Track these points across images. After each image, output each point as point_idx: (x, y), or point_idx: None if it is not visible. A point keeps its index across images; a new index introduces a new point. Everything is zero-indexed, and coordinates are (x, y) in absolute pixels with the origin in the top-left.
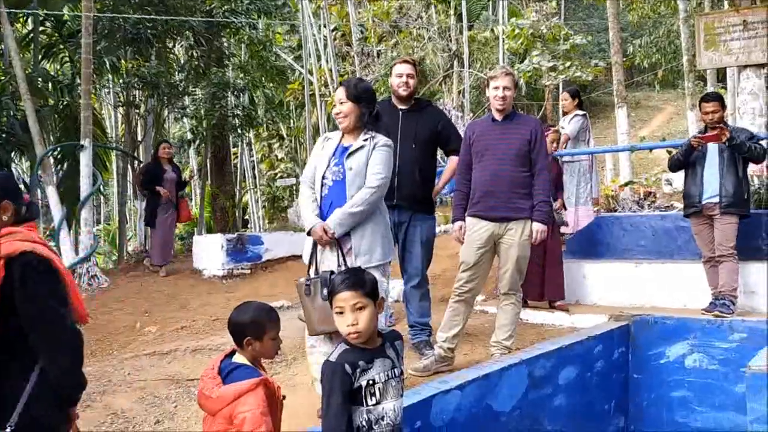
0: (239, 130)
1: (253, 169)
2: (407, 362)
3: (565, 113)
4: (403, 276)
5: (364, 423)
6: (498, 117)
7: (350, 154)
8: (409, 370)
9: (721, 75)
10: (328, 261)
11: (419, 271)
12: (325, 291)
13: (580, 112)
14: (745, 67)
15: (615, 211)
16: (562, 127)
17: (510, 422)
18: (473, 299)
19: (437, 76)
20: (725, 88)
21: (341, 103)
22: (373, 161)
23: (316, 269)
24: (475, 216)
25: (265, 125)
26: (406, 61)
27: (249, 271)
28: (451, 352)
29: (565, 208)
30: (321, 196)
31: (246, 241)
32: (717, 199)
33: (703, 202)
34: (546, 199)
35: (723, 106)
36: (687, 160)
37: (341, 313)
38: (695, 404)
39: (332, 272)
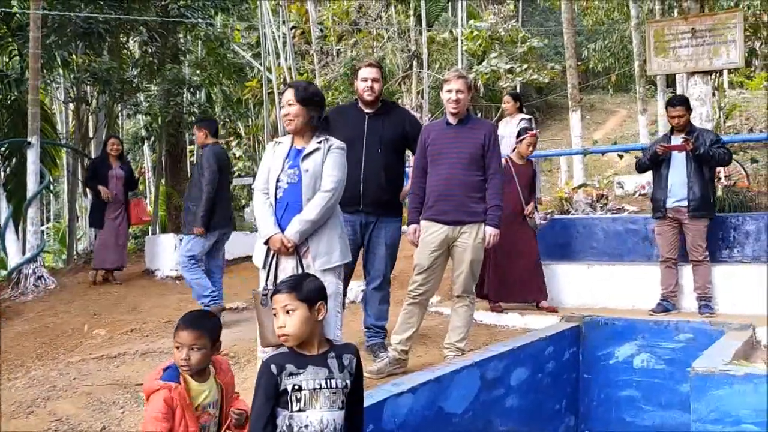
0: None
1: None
2: (368, 365)
3: (503, 116)
4: (366, 277)
5: (285, 428)
6: (452, 120)
7: (306, 156)
8: (365, 373)
9: (670, 80)
10: (285, 266)
11: (381, 273)
12: None
13: (526, 116)
14: (693, 73)
15: (569, 213)
16: (502, 135)
17: (462, 424)
18: (427, 301)
19: (396, 77)
20: (674, 94)
21: (289, 104)
22: (327, 164)
23: (275, 276)
24: (430, 219)
25: (222, 123)
26: (371, 65)
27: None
28: (405, 354)
29: (537, 213)
30: (276, 199)
31: None
32: (685, 203)
33: (671, 206)
34: (499, 203)
35: (689, 110)
36: (653, 164)
37: (276, 315)
38: (642, 403)
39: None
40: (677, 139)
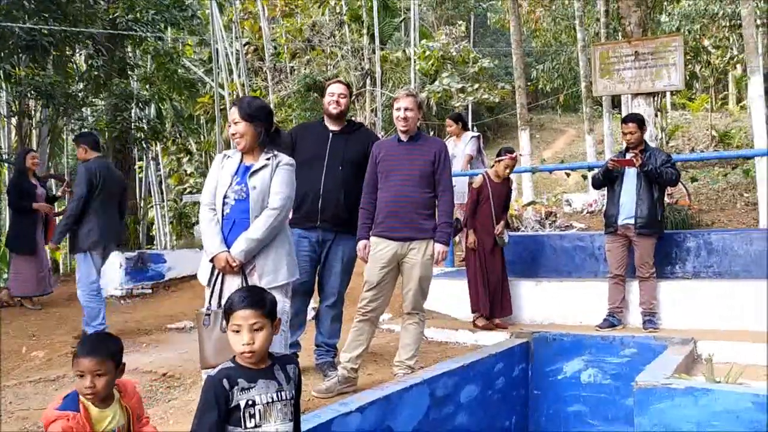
0: (143, 144)
1: (160, 184)
2: (310, 384)
3: (451, 135)
4: (320, 294)
5: None
6: (403, 138)
7: (253, 173)
8: (311, 392)
9: (616, 101)
10: (231, 284)
11: (336, 291)
12: (224, 323)
13: (475, 133)
14: (637, 95)
15: (518, 230)
16: (453, 155)
17: None
18: (377, 318)
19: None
20: (620, 114)
21: (235, 123)
22: (275, 181)
23: (220, 295)
24: (379, 236)
25: (172, 139)
26: (339, 82)
27: (150, 291)
28: (355, 373)
29: (508, 228)
30: (222, 215)
31: (147, 260)
32: (633, 221)
33: (621, 223)
34: (449, 220)
35: (641, 128)
36: (606, 180)
37: (238, 331)
38: (589, 418)
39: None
40: (631, 155)
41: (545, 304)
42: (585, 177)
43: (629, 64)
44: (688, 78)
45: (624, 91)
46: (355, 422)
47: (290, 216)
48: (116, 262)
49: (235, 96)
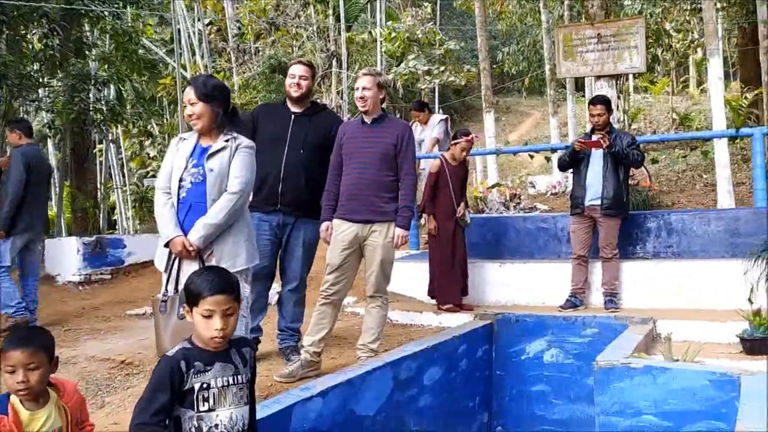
0: (102, 126)
1: (122, 167)
2: (274, 369)
3: (419, 122)
4: (282, 279)
5: (193, 429)
6: (367, 119)
7: (211, 155)
8: (274, 377)
9: (580, 84)
10: (188, 269)
11: (298, 275)
12: (182, 309)
13: (443, 116)
14: (599, 77)
15: (483, 212)
16: (422, 140)
17: (374, 426)
18: (340, 302)
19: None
20: (583, 97)
21: (192, 104)
22: (235, 164)
23: (176, 281)
24: (341, 218)
25: (132, 121)
26: (301, 62)
27: (110, 277)
28: (318, 356)
29: (467, 211)
30: (178, 200)
31: (106, 245)
32: (599, 202)
33: (588, 204)
34: (410, 204)
35: (609, 110)
36: (573, 161)
37: (209, 317)
38: (552, 397)
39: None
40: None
41: (509, 285)
42: (548, 159)
43: (592, 47)
44: (649, 61)
45: (587, 74)
46: (316, 407)
47: (250, 199)
48: (73, 247)
49: None
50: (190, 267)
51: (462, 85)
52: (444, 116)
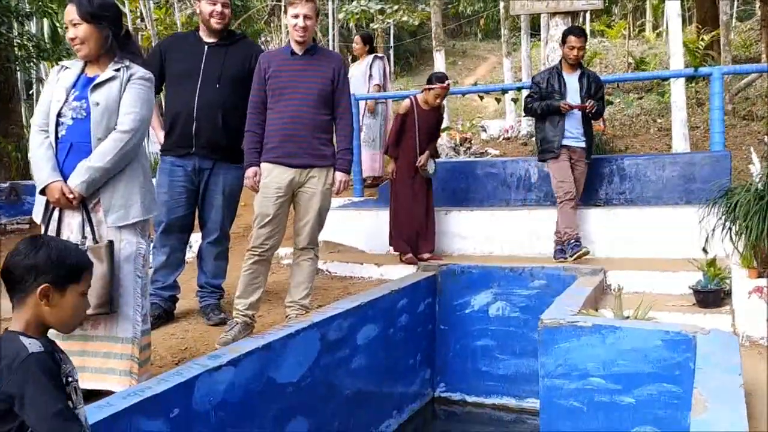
0: (26, 63)
1: None
2: (192, 329)
3: (355, 58)
4: (201, 230)
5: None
6: (298, 50)
7: (96, 86)
8: (215, 345)
9: (536, 25)
10: (71, 221)
11: (218, 226)
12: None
13: (379, 54)
14: (555, 14)
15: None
16: (351, 75)
17: (299, 393)
18: (272, 257)
19: (262, 15)
20: (539, 40)
21: (74, 25)
22: (126, 98)
23: (57, 235)
24: (274, 162)
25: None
26: None
27: (27, 227)
28: (254, 318)
29: (436, 157)
30: (57, 138)
31: (21, 192)
32: (583, 144)
33: (569, 145)
34: (349, 146)
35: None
36: (546, 114)
37: (85, 294)
38: (497, 352)
39: (76, 245)
40: (571, 78)
41: (454, 234)
42: (499, 100)
43: None
44: (606, 3)
45: (542, 10)
46: (226, 377)
47: (162, 141)
48: None
49: (138, 14)
50: (72, 219)
51: (416, 26)
52: (381, 55)
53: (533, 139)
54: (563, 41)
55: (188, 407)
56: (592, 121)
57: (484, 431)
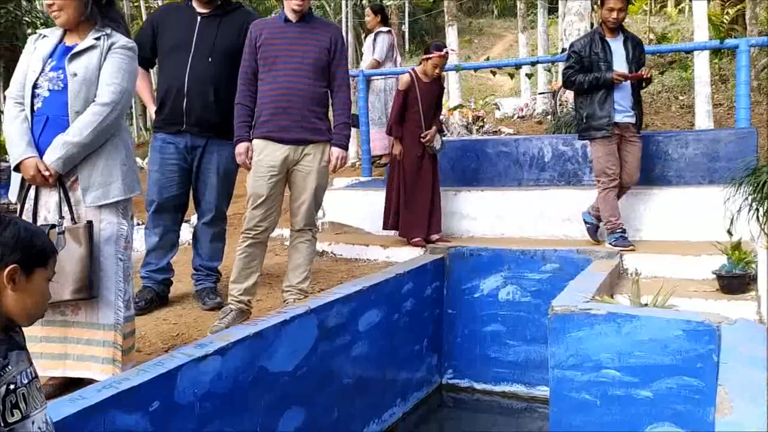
0: None
1: None
2: (185, 314)
3: (369, 31)
4: (197, 211)
5: None
6: (293, 18)
7: (74, 55)
8: (208, 333)
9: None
10: (48, 200)
11: (213, 206)
12: None
13: (384, 29)
14: None
15: (443, 135)
16: (363, 50)
17: (294, 383)
18: (268, 239)
19: None
20: (557, 16)
21: None
22: (107, 69)
23: (34, 216)
24: (266, 137)
25: None
26: None
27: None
28: (250, 304)
29: (442, 133)
30: (32, 111)
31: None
32: (634, 120)
33: (618, 122)
34: (347, 120)
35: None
36: (593, 88)
37: (51, 280)
38: (507, 338)
39: (53, 226)
40: (615, 43)
41: (464, 215)
42: (512, 76)
43: None
44: None
45: None
46: (212, 367)
47: (153, 117)
48: None
49: None
50: (50, 198)
51: (431, 2)
52: (387, 29)
53: (548, 117)
54: (601, 3)
55: (170, 400)
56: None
57: (492, 420)
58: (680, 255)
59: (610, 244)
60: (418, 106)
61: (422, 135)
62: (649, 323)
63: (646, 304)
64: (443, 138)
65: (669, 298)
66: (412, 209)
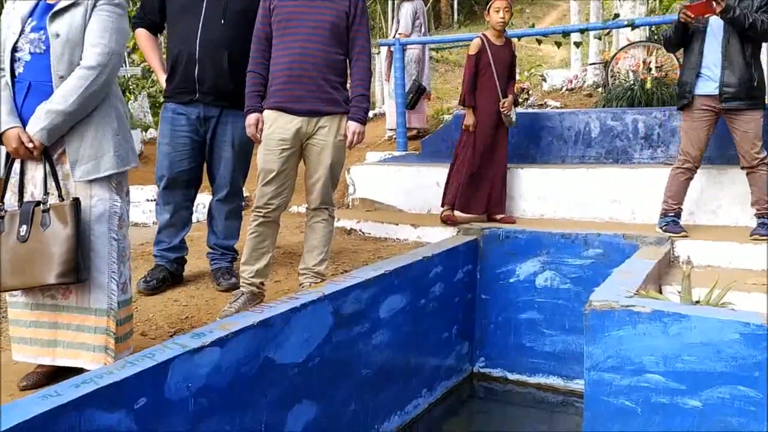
0: None
1: None
2: (198, 295)
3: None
4: (211, 186)
5: None
6: None
7: (56, 13)
8: (218, 318)
9: None
10: (34, 174)
11: (228, 182)
12: (24, 228)
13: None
14: None
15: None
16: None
17: (304, 375)
18: (279, 217)
19: None
20: None
21: None
22: (92, 28)
23: (20, 191)
24: (277, 108)
25: None
26: None
27: None
28: (263, 287)
29: (516, 105)
30: (13, 77)
31: None
32: (716, 91)
33: (697, 93)
34: (366, 92)
35: None
36: (679, 38)
37: None
38: (544, 327)
39: (38, 203)
40: None
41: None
42: (559, 44)
43: None
44: None
45: None
46: (210, 359)
47: (163, 86)
48: None
49: None
50: (36, 173)
51: None
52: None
53: (599, 89)
54: None
55: (159, 396)
56: (653, 65)
57: (525, 413)
58: (738, 243)
59: (660, 228)
60: (491, 70)
61: (501, 102)
62: (700, 324)
63: (698, 301)
64: (516, 110)
65: (726, 294)
66: (478, 185)
